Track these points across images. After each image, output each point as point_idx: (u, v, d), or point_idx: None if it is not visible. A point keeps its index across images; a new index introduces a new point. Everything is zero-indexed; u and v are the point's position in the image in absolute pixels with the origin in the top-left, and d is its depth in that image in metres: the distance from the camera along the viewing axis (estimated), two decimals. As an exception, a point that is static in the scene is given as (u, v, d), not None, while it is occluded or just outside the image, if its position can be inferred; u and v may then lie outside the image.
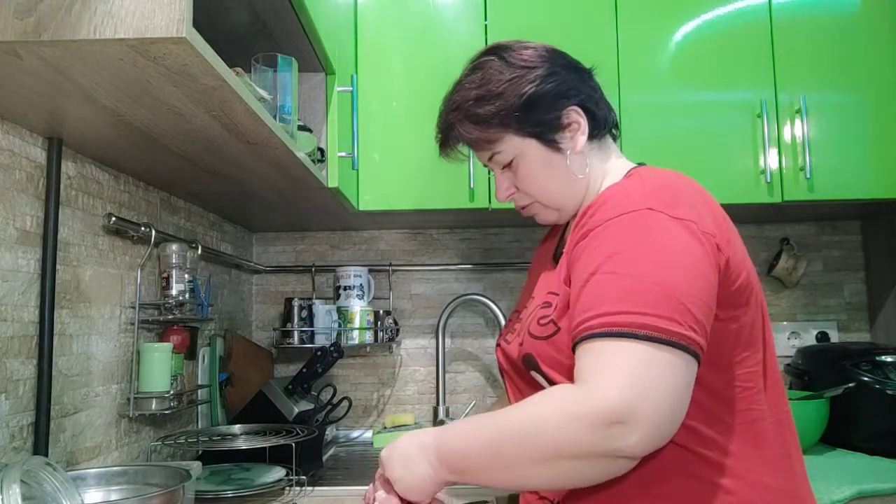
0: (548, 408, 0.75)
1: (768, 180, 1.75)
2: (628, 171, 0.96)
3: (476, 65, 1.01)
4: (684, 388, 0.74)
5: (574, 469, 0.74)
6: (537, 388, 0.91)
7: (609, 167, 1.00)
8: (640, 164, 1.00)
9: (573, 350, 0.78)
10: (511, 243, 2.18)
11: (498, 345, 1.06)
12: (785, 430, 0.88)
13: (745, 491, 0.82)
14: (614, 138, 1.05)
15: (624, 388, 0.70)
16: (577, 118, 0.97)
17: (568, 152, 0.97)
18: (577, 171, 0.97)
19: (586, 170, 0.98)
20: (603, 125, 1.00)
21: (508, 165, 1.00)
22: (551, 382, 0.88)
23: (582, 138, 0.97)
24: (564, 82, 0.97)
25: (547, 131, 0.96)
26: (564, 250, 0.93)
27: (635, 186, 0.87)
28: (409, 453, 0.84)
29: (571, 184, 0.98)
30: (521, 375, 0.95)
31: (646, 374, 0.71)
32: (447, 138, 1.02)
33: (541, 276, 1.04)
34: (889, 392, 1.63)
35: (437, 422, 2.00)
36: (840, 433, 1.69)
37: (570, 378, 0.82)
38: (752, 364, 0.86)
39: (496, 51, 1.00)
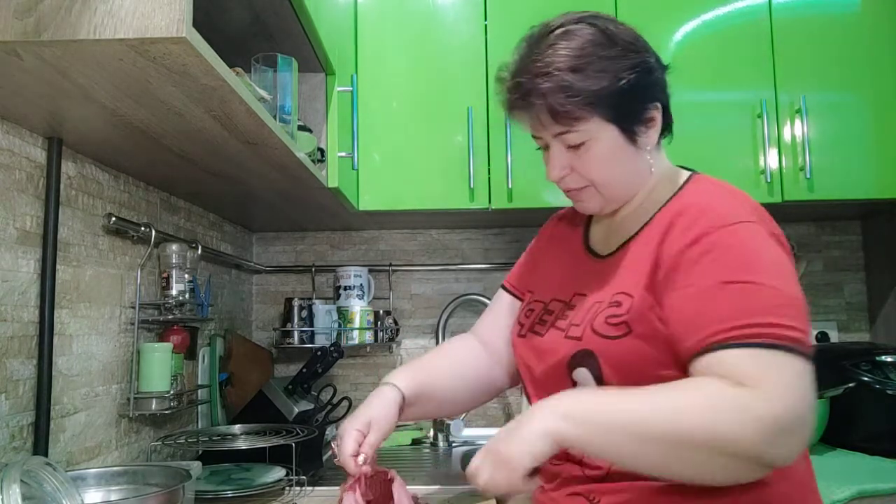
0: (721, 398, 0.74)
1: (768, 180, 1.75)
2: (690, 177, 0.97)
3: (569, 31, 0.92)
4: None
5: (717, 465, 0.75)
6: (570, 384, 0.91)
7: (664, 169, 1.00)
8: (682, 167, 1.02)
9: (707, 351, 0.78)
10: (511, 243, 2.18)
11: (521, 335, 1.04)
12: None
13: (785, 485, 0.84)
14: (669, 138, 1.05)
15: (798, 400, 0.73)
16: (656, 115, 0.95)
17: (641, 148, 0.95)
18: (643, 167, 0.96)
19: (645, 168, 0.97)
20: (668, 127, 1.00)
21: (574, 146, 0.94)
22: (601, 383, 0.87)
23: (655, 136, 0.96)
24: (659, 76, 0.96)
25: (631, 122, 0.93)
26: (628, 249, 0.94)
27: (727, 197, 0.89)
28: (508, 428, 0.81)
29: (635, 177, 0.97)
30: (555, 371, 0.93)
31: (806, 388, 0.75)
32: (526, 104, 0.92)
33: (574, 267, 1.02)
34: (889, 392, 1.62)
35: (436, 422, 1.99)
36: (840, 433, 1.68)
37: (633, 383, 0.82)
38: None
39: (592, 20, 0.93)
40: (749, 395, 0.73)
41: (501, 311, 1.16)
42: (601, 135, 0.92)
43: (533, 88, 0.90)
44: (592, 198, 0.98)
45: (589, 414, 0.78)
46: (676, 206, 0.91)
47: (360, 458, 0.95)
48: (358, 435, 0.97)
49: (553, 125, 0.92)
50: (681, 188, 0.96)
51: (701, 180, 0.96)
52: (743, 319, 0.77)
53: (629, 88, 0.90)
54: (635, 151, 0.95)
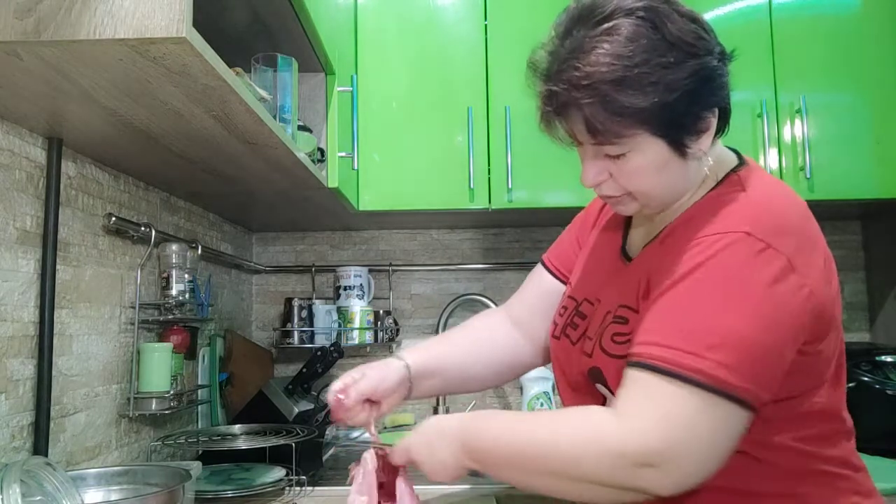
0: (584, 434, 0.75)
1: (768, 180, 1.75)
2: (729, 175, 0.86)
3: (617, 26, 0.76)
4: (728, 440, 0.72)
5: (596, 491, 0.75)
6: (601, 397, 0.88)
7: (712, 165, 0.87)
8: (738, 158, 0.91)
9: (629, 365, 0.77)
10: (511, 243, 2.18)
11: (554, 335, 0.99)
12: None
13: None
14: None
15: (663, 434, 0.70)
16: (712, 121, 0.82)
17: (690, 156, 0.82)
18: (691, 174, 0.85)
19: (692, 171, 0.85)
20: (726, 123, 0.87)
21: (613, 156, 0.82)
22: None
23: (707, 141, 0.82)
24: (720, 79, 0.82)
25: (682, 134, 0.80)
26: (642, 254, 0.89)
27: (736, 200, 0.81)
28: (428, 440, 0.87)
29: (679, 186, 0.86)
30: (582, 384, 0.91)
31: (689, 424, 0.70)
32: (563, 115, 0.80)
33: (607, 268, 0.96)
34: (889, 392, 1.62)
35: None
36: (840, 433, 1.69)
37: None
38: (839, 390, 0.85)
39: (647, 13, 0.77)
40: (615, 427, 0.72)
41: (537, 288, 1.11)
42: (645, 148, 0.80)
43: (569, 101, 0.78)
44: (628, 203, 0.87)
45: (483, 450, 0.83)
46: (688, 212, 0.85)
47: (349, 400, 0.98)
48: (349, 379, 1.00)
49: (591, 138, 0.80)
50: (712, 189, 0.86)
51: (737, 180, 0.85)
52: (648, 336, 0.75)
53: (684, 99, 0.77)
54: (682, 162, 0.82)
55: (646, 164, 0.81)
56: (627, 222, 0.99)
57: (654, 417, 0.71)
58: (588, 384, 0.89)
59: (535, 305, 1.10)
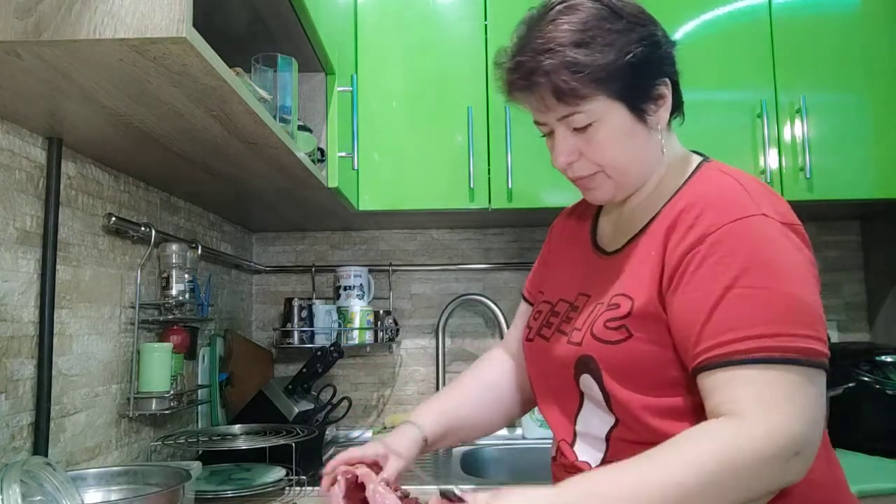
0: (729, 452, 0.70)
1: (768, 180, 1.75)
2: (699, 165, 0.91)
3: (571, 5, 0.87)
4: (826, 407, 0.76)
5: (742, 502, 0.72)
6: (577, 392, 0.88)
7: (671, 154, 0.93)
8: (695, 152, 0.96)
9: (709, 368, 0.75)
10: (511, 243, 2.18)
11: (528, 339, 1.00)
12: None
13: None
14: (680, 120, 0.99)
15: (800, 421, 0.71)
16: (666, 92, 0.89)
17: (650, 127, 0.89)
18: (654, 148, 0.91)
19: (656, 150, 0.91)
20: (679, 105, 0.94)
21: (581, 129, 0.87)
22: (603, 389, 0.84)
23: (665, 115, 0.90)
24: (668, 50, 0.90)
25: (640, 99, 0.87)
26: (635, 245, 0.89)
27: (735, 187, 0.83)
28: (508, 493, 0.74)
29: (646, 160, 0.91)
30: (561, 377, 0.91)
31: (808, 402, 0.73)
32: (529, 83, 0.87)
33: (581, 264, 0.98)
34: (889, 392, 1.63)
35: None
36: (840, 433, 1.68)
37: (635, 387, 0.81)
38: None
39: None
40: (757, 430, 0.70)
41: (521, 320, 1.11)
42: (609, 115, 0.86)
43: (536, 67, 0.85)
44: (603, 184, 0.91)
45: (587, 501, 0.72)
46: (684, 198, 0.86)
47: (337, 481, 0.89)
48: (349, 456, 0.91)
49: (558, 106, 0.86)
50: (690, 177, 0.90)
51: (711, 168, 0.90)
52: (742, 331, 0.74)
53: (637, 63, 0.85)
54: (646, 131, 0.89)
55: (612, 132, 0.87)
56: (594, 219, 1.02)
57: (783, 407, 0.72)
58: (569, 380, 0.89)
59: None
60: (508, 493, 0.74)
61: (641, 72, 0.86)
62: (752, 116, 1.79)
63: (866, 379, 1.66)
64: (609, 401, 0.85)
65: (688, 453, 0.72)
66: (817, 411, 0.74)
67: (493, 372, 1.12)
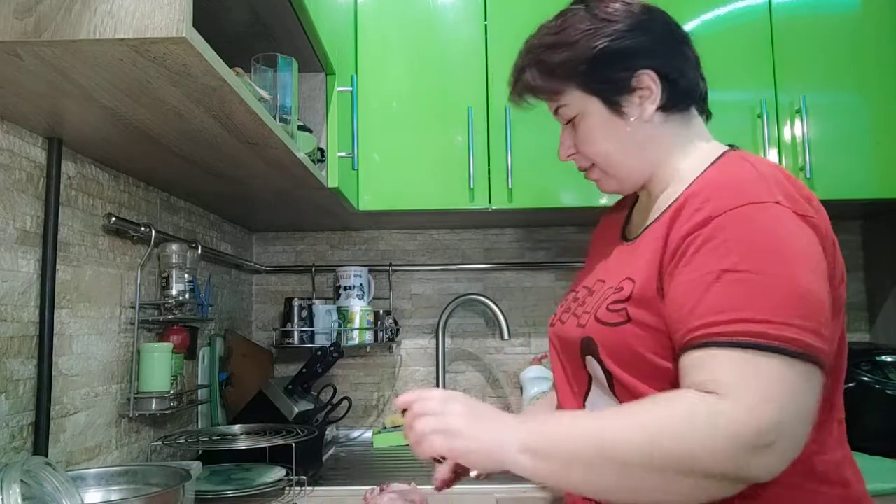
0: (692, 417, 0.68)
1: (768, 180, 1.75)
2: (723, 154, 0.89)
3: (562, 11, 0.95)
4: (815, 406, 0.71)
5: (692, 486, 0.69)
6: (586, 374, 0.89)
7: (691, 147, 0.92)
8: (731, 147, 0.93)
9: (692, 347, 0.73)
10: (511, 243, 2.18)
11: (552, 324, 1.02)
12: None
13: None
14: (706, 116, 0.97)
15: (776, 410, 0.67)
16: (649, 84, 0.89)
17: (632, 119, 0.90)
18: (640, 141, 0.91)
19: (652, 142, 0.91)
20: (685, 97, 0.92)
21: (572, 122, 0.95)
22: (607, 372, 0.85)
23: (651, 107, 0.90)
24: (643, 42, 0.90)
25: (612, 92, 0.90)
26: (648, 231, 0.88)
27: (749, 173, 0.81)
28: (482, 413, 0.77)
29: (634, 153, 0.92)
30: (573, 360, 0.91)
31: (791, 394, 0.68)
32: (517, 82, 0.98)
33: (607, 253, 0.99)
34: (889, 392, 1.63)
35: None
36: (840, 433, 1.69)
37: (632, 372, 0.81)
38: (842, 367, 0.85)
39: (591, 1, 0.93)
40: (726, 407, 0.68)
41: None
42: (586, 108, 0.92)
43: (520, 68, 0.97)
44: (603, 177, 0.97)
45: (555, 450, 0.74)
46: (696, 184, 0.84)
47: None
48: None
49: (547, 102, 0.97)
50: (710, 166, 0.88)
51: (733, 156, 0.88)
52: (731, 314, 0.71)
53: (602, 56, 0.89)
54: (624, 124, 0.91)
55: (591, 126, 0.93)
56: (630, 210, 1.04)
57: (761, 393, 0.68)
58: (578, 362, 0.90)
59: None
60: (479, 404, 0.80)
61: (608, 64, 0.90)
62: (752, 116, 1.79)
63: (866, 379, 1.66)
64: (612, 385, 0.85)
65: (659, 409, 0.71)
66: (801, 406, 0.69)
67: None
